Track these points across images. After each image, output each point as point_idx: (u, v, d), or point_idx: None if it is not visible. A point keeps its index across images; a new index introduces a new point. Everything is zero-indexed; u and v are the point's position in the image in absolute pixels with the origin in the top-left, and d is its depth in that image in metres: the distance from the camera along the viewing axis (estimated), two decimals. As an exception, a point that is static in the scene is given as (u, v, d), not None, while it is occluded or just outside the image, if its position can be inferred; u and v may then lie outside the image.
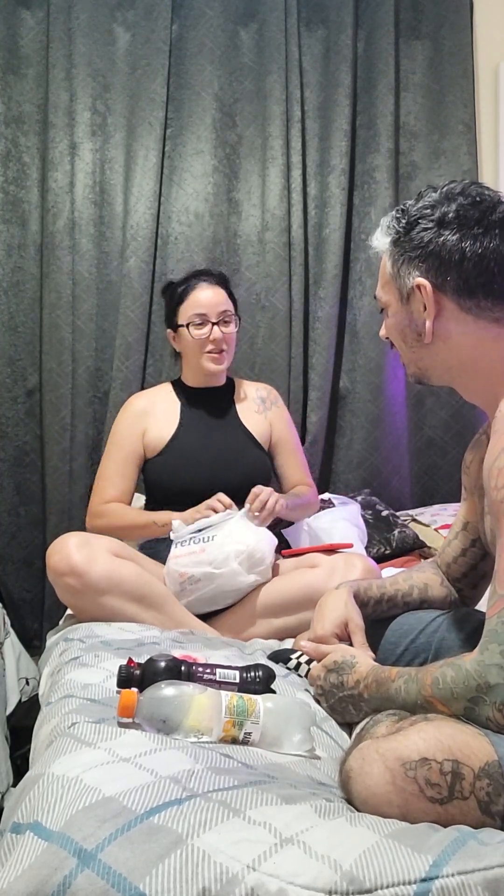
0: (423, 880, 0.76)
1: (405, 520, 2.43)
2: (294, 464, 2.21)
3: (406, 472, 2.80)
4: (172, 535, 1.88)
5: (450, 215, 1.12)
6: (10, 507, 2.65)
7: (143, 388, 2.56)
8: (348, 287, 2.79)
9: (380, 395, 2.75)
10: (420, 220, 1.13)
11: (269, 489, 1.92)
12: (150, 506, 2.12)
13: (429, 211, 1.13)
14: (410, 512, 2.58)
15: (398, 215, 1.17)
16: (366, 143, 2.79)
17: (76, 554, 1.71)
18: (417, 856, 0.78)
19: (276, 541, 1.89)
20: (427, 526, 2.42)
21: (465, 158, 2.79)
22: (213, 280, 2.13)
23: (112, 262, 2.68)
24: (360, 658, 1.22)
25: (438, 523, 2.42)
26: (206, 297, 2.08)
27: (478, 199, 1.12)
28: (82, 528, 2.58)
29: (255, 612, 1.84)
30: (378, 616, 1.44)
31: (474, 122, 2.83)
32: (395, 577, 1.49)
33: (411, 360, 1.23)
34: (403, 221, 1.16)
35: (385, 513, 2.38)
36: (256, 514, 1.87)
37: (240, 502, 1.96)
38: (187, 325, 2.08)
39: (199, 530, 1.85)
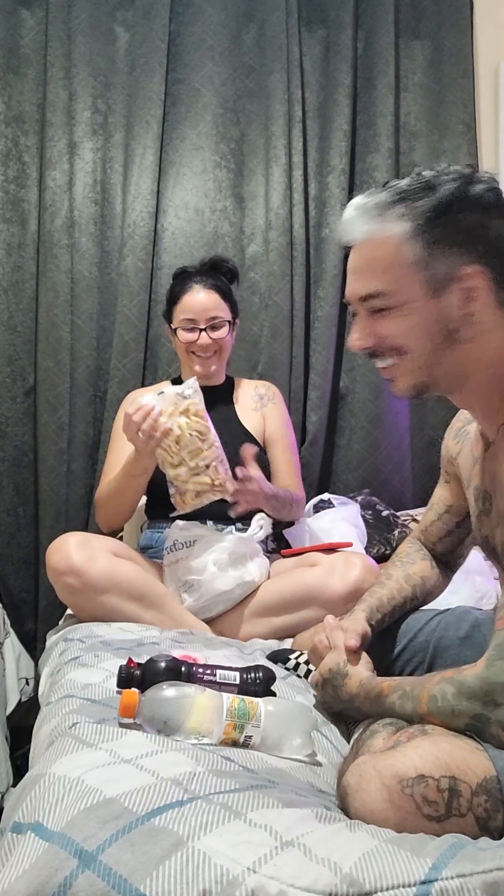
0: (423, 883, 0.76)
1: (405, 520, 2.43)
2: (284, 462, 2.16)
3: (407, 472, 2.79)
4: (165, 532, 1.91)
5: (489, 198, 0.99)
6: (9, 507, 2.64)
7: (142, 387, 2.56)
8: (348, 287, 2.78)
9: (380, 395, 2.75)
10: (464, 200, 0.99)
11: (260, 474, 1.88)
12: (150, 505, 2.12)
13: (464, 192, 0.99)
14: (411, 512, 2.58)
15: (419, 192, 1.00)
16: (365, 143, 2.78)
17: (76, 553, 1.71)
18: (417, 859, 0.78)
19: (259, 547, 1.90)
20: (427, 526, 2.42)
21: (465, 158, 2.79)
22: (208, 283, 2.10)
23: (113, 261, 2.68)
24: (352, 669, 1.20)
25: (438, 523, 2.41)
26: (196, 301, 2.06)
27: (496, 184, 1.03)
28: (80, 529, 2.60)
29: (254, 611, 1.84)
30: (391, 621, 1.43)
31: (474, 122, 2.83)
32: (398, 581, 1.44)
33: (426, 365, 1.05)
34: (433, 201, 1.00)
35: (385, 513, 2.38)
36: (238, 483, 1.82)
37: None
38: (176, 330, 2.09)
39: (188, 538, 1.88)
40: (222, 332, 2.09)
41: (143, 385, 2.59)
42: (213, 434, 1.81)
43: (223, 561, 1.80)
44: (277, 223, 2.67)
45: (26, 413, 2.65)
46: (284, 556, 2.03)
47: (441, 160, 2.81)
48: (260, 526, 1.91)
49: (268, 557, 1.97)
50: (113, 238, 2.68)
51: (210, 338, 2.07)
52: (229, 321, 2.12)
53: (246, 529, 1.91)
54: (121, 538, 2.36)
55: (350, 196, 2.75)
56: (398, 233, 1.01)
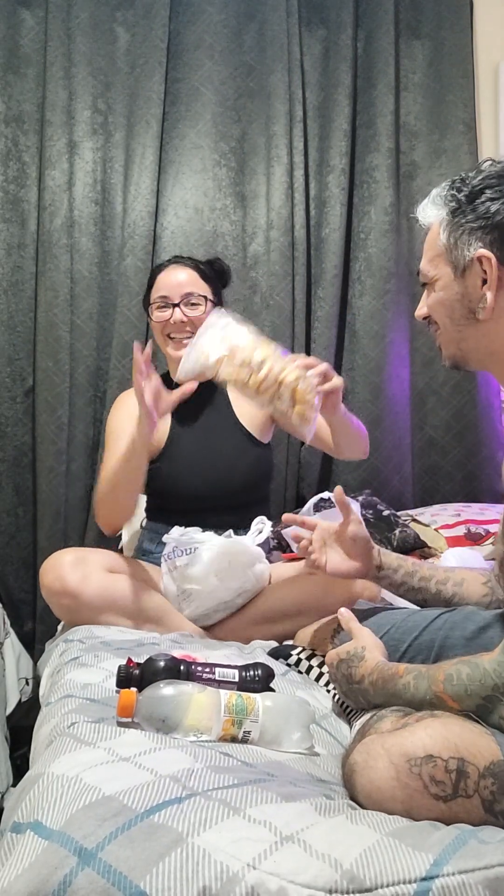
0: (424, 879, 0.76)
1: (405, 520, 2.43)
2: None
3: (407, 472, 2.79)
4: (165, 538, 1.83)
5: None
6: (9, 507, 2.64)
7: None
8: (348, 286, 2.78)
9: (380, 395, 2.75)
10: (485, 190, 1.10)
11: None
12: (150, 506, 2.09)
13: (495, 181, 1.10)
14: (411, 512, 2.58)
15: (458, 185, 1.13)
16: (365, 143, 2.79)
17: (70, 574, 1.68)
18: (418, 854, 0.78)
19: (262, 553, 1.84)
20: (427, 526, 2.42)
21: (465, 158, 2.79)
22: (187, 263, 2.03)
23: (112, 261, 2.69)
24: (369, 654, 1.21)
25: (439, 523, 2.42)
26: (171, 278, 1.98)
27: None
28: (79, 530, 2.60)
29: (254, 618, 1.81)
30: (406, 591, 1.45)
31: (474, 122, 2.83)
32: (437, 566, 1.49)
33: (454, 340, 1.18)
34: (465, 191, 1.12)
35: (386, 512, 2.38)
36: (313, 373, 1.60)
37: (240, 508, 1.92)
38: (149, 309, 2.00)
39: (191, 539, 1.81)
40: (198, 311, 1.95)
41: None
42: (251, 346, 1.54)
43: (224, 570, 1.75)
44: (279, 223, 2.67)
45: (26, 413, 2.65)
46: (286, 561, 2.02)
47: (441, 160, 2.82)
48: (259, 529, 1.86)
49: (268, 558, 1.94)
50: (113, 238, 2.68)
51: (185, 315, 1.94)
52: (207, 298, 1.98)
53: (244, 534, 1.85)
54: (119, 536, 2.35)
55: (350, 196, 2.76)
56: (438, 219, 1.15)
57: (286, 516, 1.66)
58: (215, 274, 2.07)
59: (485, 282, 1.10)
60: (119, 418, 2.00)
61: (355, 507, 2.27)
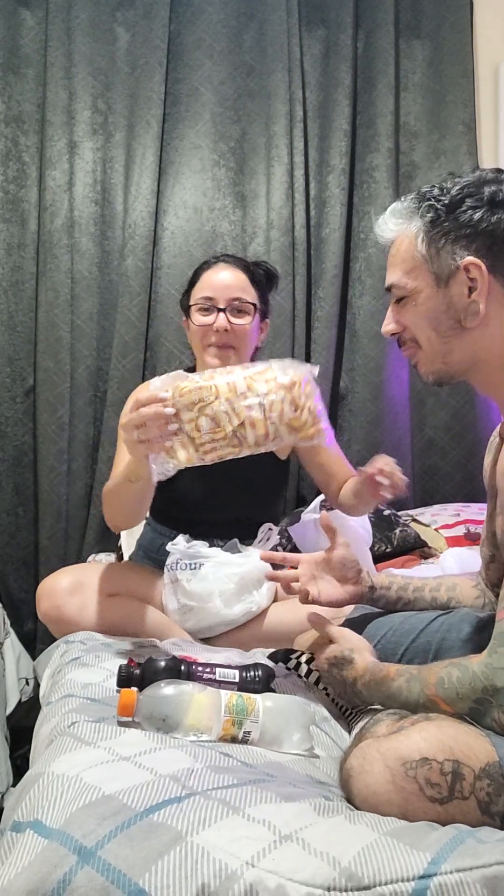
0: (422, 877, 0.76)
1: (406, 520, 2.43)
2: (336, 455, 1.90)
3: (407, 472, 2.76)
4: (170, 547, 1.77)
5: (501, 196, 1.09)
6: (8, 507, 2.65)
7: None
8: (348, 286, 2.79)
9: (380, 395, 2.75)
10: (466, 199, 1.10)
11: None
12: (156, 507, 2.04)
13: (474, 189, 1.10)
14: (411, 512, 2.58)
15: (435, 195, 1.12)
16: (365, 143, 2.79)
17: (68, 603, 1.64)
18: (416, 853, 0.78)
19: (268, 568, 1.76)
20: (427, 526, 2.42)
21: (465, 158, 2.79)
22: (238, 264, 1.85)
23: (113, 261, 2.69)
24: (357, 655, 1.21)
25: (439, 523, 2.42)
26: (219, 278, 1.80)
27: None
28: (80, 530, 2.60)
29: (256, 636, 1.75)
30: (403, 605, 1.45)
31: (474, 122, 2.83)
32: (429, 579, 1.49)
33: (439, 353, 1.15)
34: (444, 200, 1.11)
35: (387, 512, 2.38)
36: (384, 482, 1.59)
37: (250, 522, 1.87)
38: (190, 309, 1.83)
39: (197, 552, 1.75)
40: (244, 320, 1.79)
41: (143, 385, 2.58)
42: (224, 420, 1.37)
43: (229, 592, 1.69)
44: (280, 223, 2.67)
45: (26, 413, 2.66)
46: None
47: (441, 160, 2.82)
48: (266, 537, 1.81)
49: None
50: (113, 238, 2.69)
51: (229, 322, 1.77)
52: (255, 306, 1.82)
53: (251, 543, 1.81)
54: (119, 535, 2.34)
55: (350, 196, 2.76)
56: (413, 230, 1.13)
57: (263, 554, 1.55)
58: (264, 278, 1.91)
59: (471, 290, 1.10)
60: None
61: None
